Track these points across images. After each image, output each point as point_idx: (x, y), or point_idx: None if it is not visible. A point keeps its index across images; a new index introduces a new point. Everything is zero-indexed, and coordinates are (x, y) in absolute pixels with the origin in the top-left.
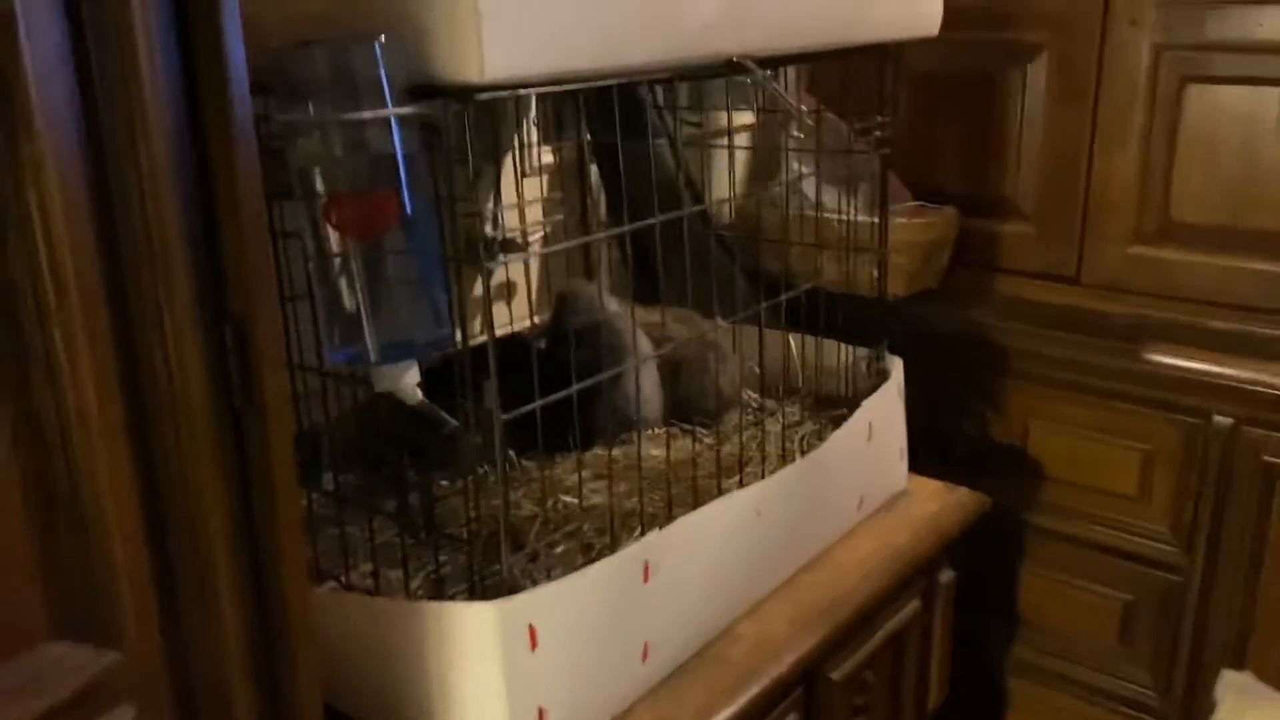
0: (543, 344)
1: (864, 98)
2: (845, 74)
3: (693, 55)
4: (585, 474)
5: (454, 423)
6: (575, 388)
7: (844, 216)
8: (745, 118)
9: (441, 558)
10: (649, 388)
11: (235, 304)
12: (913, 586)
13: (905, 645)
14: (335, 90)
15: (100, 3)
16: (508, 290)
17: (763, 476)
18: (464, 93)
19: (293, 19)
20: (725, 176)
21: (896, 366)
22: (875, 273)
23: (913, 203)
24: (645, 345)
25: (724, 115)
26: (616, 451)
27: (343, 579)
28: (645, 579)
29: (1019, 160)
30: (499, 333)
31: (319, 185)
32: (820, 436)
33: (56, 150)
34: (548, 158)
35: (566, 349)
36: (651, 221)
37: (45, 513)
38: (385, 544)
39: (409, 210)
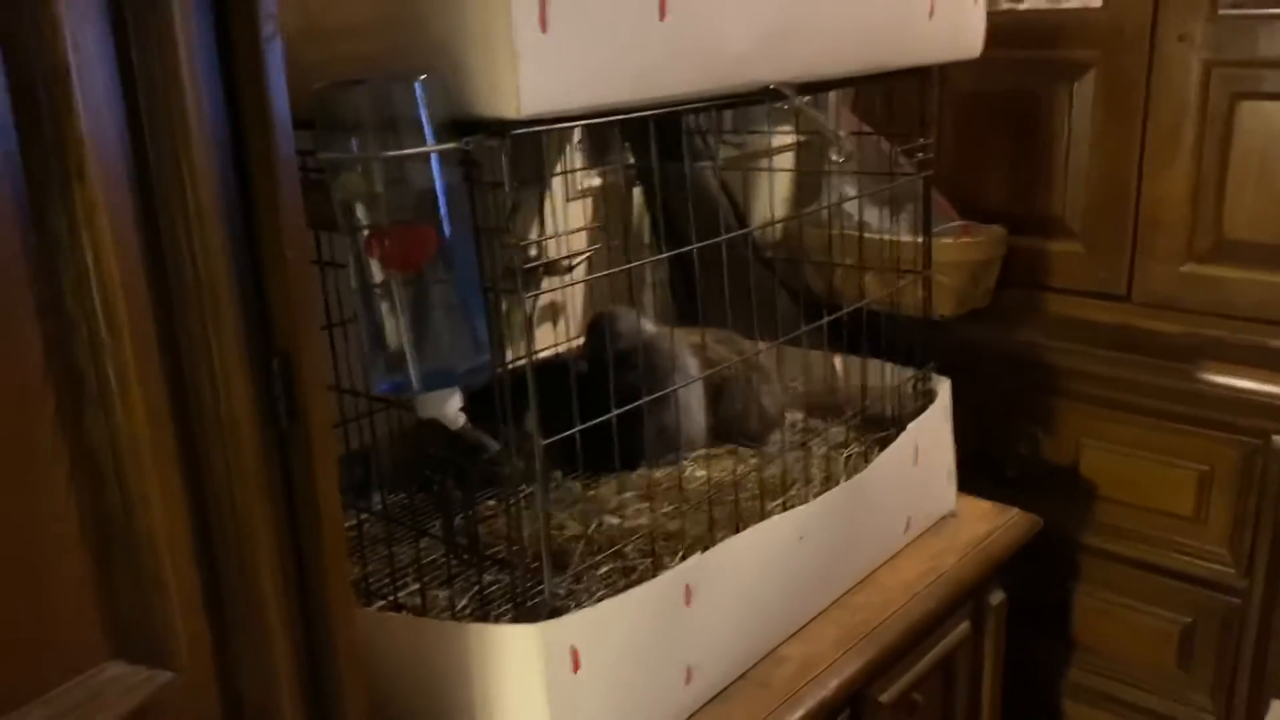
0: (584, 367)
1: (908, 118)
2: (887, 96)
3: (729, 84)
4: (629, 495)
5: (495, 445)
6: (613, 412)
7: (888, 237)
8: (788, 138)
9: (488, 578)
10: (693, 409)
11: (281, 336)
12: (962, 609)
13: (955, 668)
14: (377, 127)
15: (149, 53)
16: (552, 312)
17: (807, 500)
18: (502, 128)
19: (336, 59)
20: (767, 198)
21: (944, 387)
22: (921, 293)
23: (959, 222)
24: (690, 366)
25: (766, 136)
26: (660, 473)
27: (390, 599)
28: (687, 602)
29: (1067, 178)
30: (543, 354)
31: (361, 219)
32: (866, 459)
33: (108, 194)
34: (592, 182)
35: (608, 371)
36: (690, 248)
37: (101, 539)
38: (433, 564)
39: (449, 241)
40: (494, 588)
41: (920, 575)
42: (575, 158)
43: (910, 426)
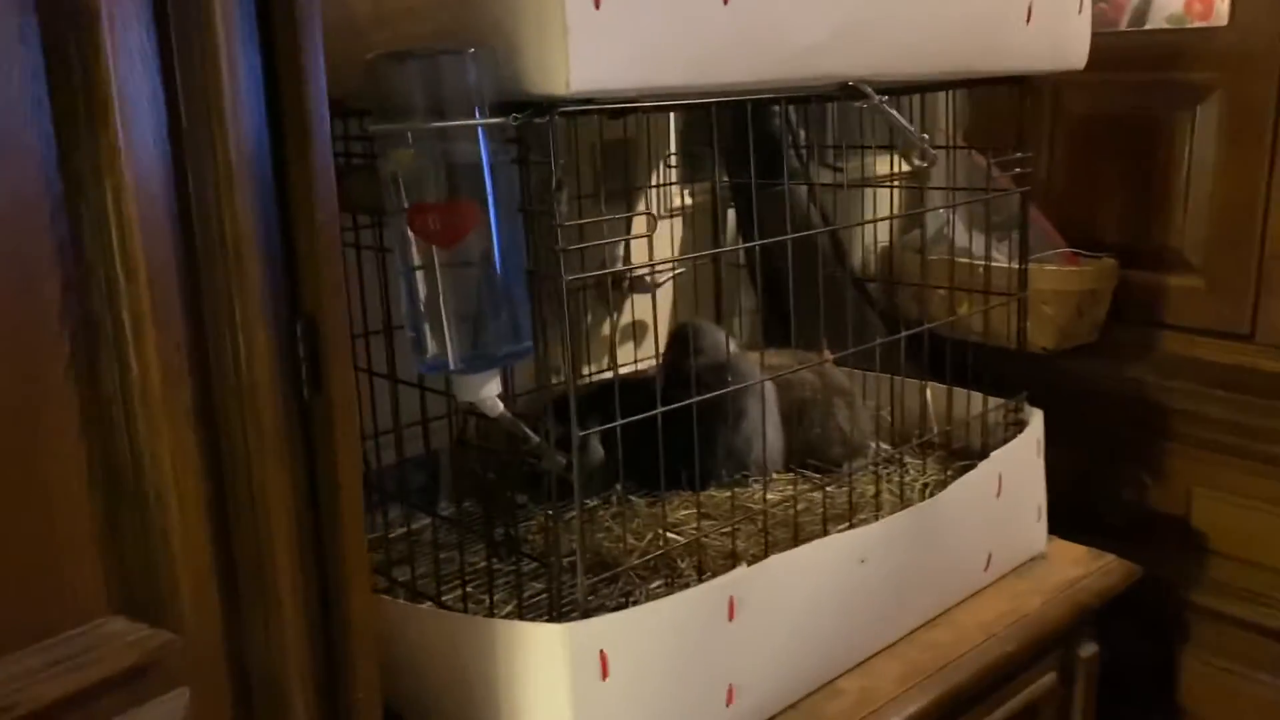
0: (660, 385)
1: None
2: (985, 107)
3: (799, 76)
4: (690, 513)
5: (535, 439)
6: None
7: (984, 261)
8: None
9: (538, 584)
10: (769, 432)
11: (306, 300)
12: (1047, 658)
13: None
14: (426, 102)
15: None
16: (634, 330)
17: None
18: (551, 105)
19: (397, 40)
20: (872, 226)
21: (1036, 419)
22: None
23: (1065, 249)
24: (768, 388)
25: (872, 159)
26: (727, 494)
27: (434, 598)
28: (730, 616)
29: (1186, 208)
30: (624, 370)
31: (407, 195)
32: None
33: (132, 139)
34: (683, 201)
35: (686, 389)
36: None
37: (109, 491)
38: (485, 568)
39: (494, 221)
40: (543, 595)
41: (1000, 616)
42: (669, 174)
43: (994, 455)
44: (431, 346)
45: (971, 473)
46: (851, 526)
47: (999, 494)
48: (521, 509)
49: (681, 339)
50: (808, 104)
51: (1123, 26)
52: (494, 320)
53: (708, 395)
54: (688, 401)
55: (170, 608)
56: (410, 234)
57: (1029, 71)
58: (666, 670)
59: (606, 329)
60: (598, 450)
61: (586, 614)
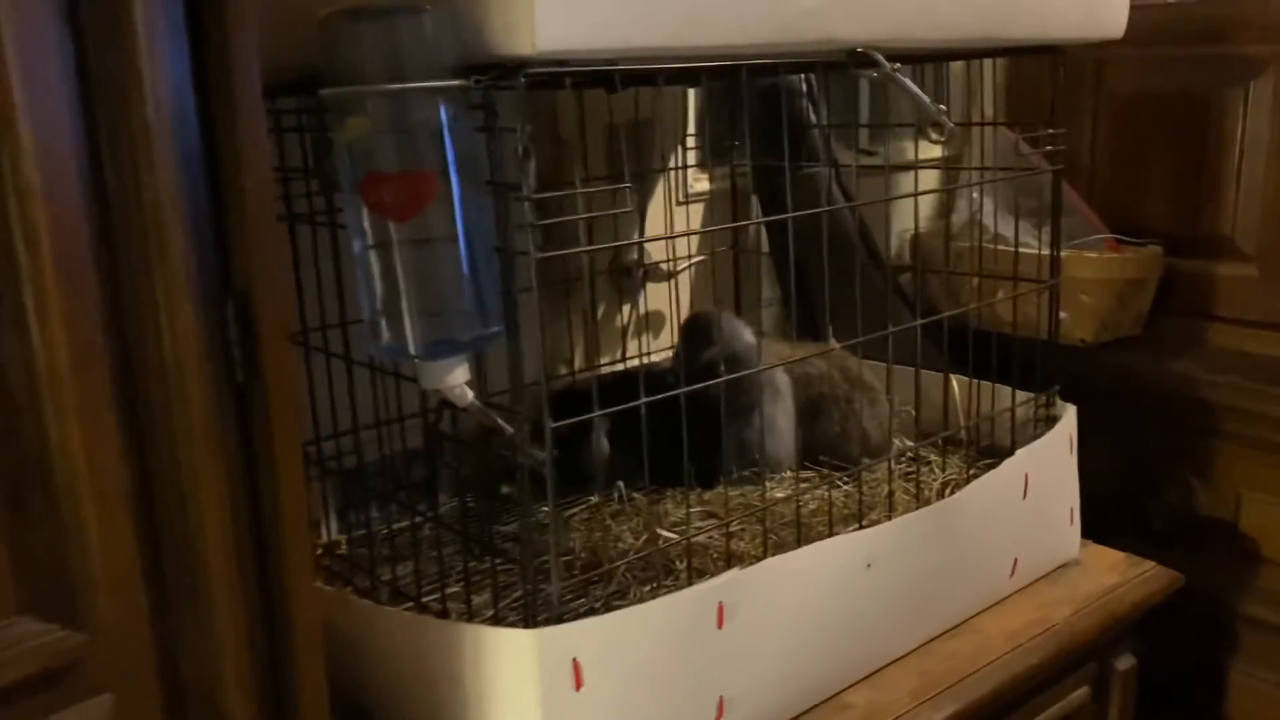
0: (671, 378)
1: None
2: (1025, 84)
3: (800, 40)
4: (695, 510)
5: (509, 429)
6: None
7: (1003, 248)
8: (934, 151)
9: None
10: (780, 427)
11: (237, 276)
12: (1080, 671)
13: None
14: (381, 64)
15: None
16: (645, 321)
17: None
18: (517, 67)
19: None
20: (900, 211)
21: (1069, 414)
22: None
23: (1107, 235)
24: (782, 382)
25: (905, 148)
26: (735, 492)
27: (417, 600)
28: (719, 623)
29: (1238, 193)
30: (636, 363)
31: (363, 166)
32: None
33: (33, 92)
34: (704, 185)
35: (697, 382)
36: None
37: (15, 479)
38: (470, 569)
39: (456, 194)
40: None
41: (1026, 625)
42: (686, 157)
43: (1019, 453)
44: (389, 331)
45: (993, 472)
46: (861, 528)
47: (1025, 495)
48: (507, 505)
49: (693, 329)
50: (812, 71)
51: None
52: (458, 303)
53: (696, 386)
54: (674, 393)
55: (87, 607)
56: (364, 208)
57: (1060, 40)
58: (648, 680)
59: (621, 320)
60: (604, 445)
61: (561, 619)
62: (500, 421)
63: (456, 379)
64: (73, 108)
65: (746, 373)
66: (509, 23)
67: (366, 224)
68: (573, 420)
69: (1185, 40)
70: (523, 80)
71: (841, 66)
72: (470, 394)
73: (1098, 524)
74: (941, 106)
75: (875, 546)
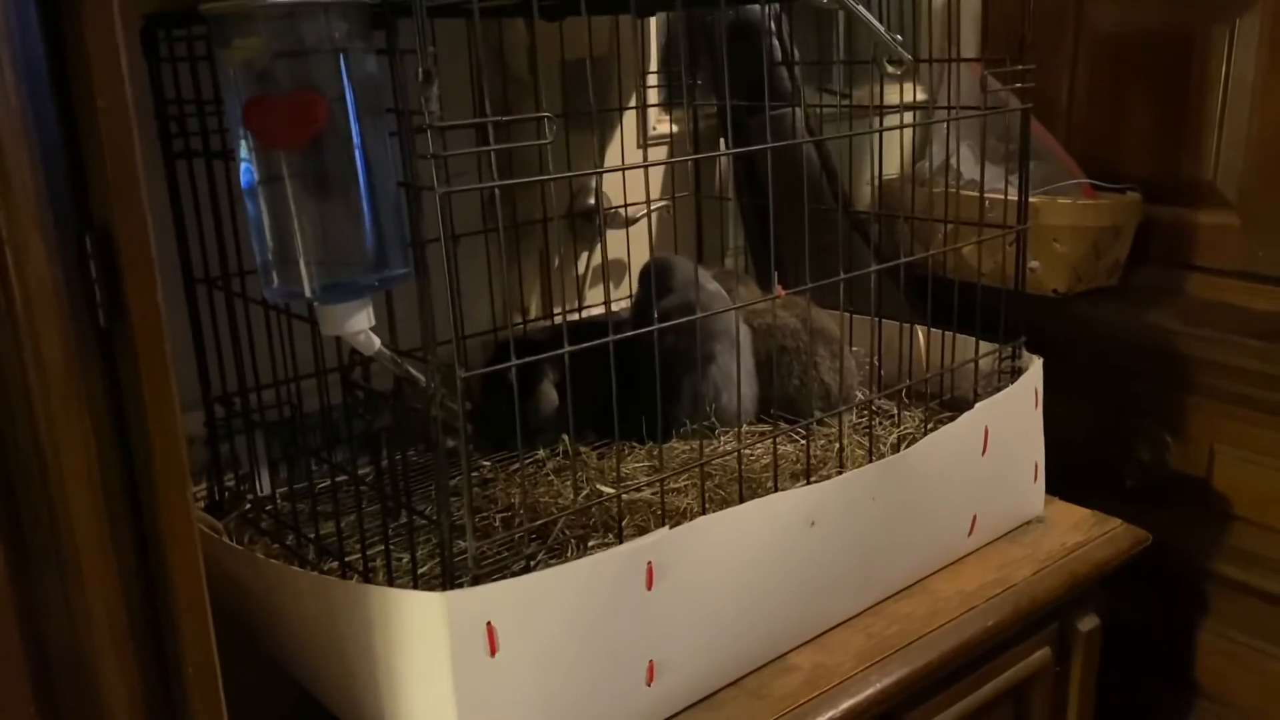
0: (629, 329)
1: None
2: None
3: None
4: (642, 465)
5: (422, 379)
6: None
7: (983, 193)
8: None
9: (462, 543)
10: (737, 379)
11: (96, 207)
12: (1040, 632)
13: (1029, 701)
14: None
15: None
16: (604, 271)
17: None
18: None
19: None
20: (871, 156)
21: (1034, 367)
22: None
23: (1083, 181)
24: (743, 333)
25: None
26: (687, 446)
27: (340, 559)
28: (649, 584)
29: (1221, 137)
30: (596, 312)
31: (248, 91)
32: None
33: None
34: (667, 128)
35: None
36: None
37: None
38: (393, 528)
39: (353, 122)
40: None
41: (983, 586)
42: (647, 96)
43: (979, 406)
44: (281, 273)
45: (949, 426)
46: (810, 484)
47: (985, 450)
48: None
49: (649, 276)
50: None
51: None
52: (358, 241)
53: (625, 335)
54: (601, 341)
55: None
56: (249, 136)
57: None
58: (570, 644)
59: (581, 267)
60: (551, 396)
61: (479, 581)
62: (413, 372)
63: (359, 324)
64: None
65: (687, 321)
66: None
67: (253, 155)
68: (490, 369)
69: None
70: (423, 5)
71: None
72: (377, 341)
73: (1069, 480)
74: (898, 37)
75: (818, 504)
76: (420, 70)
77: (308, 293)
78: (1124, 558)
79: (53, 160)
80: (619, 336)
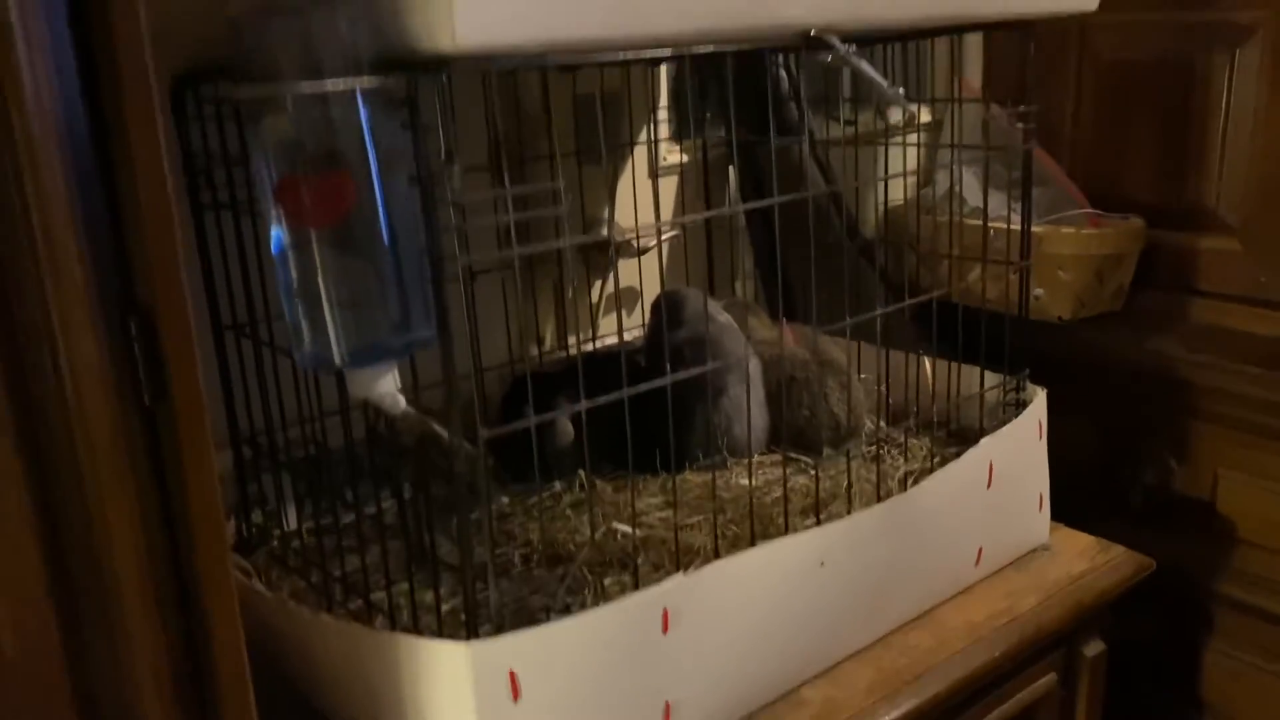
0: (642, 360)
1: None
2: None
3: (750, 26)
4: (656, 500)
5: (444, 433)
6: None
7: (991, 224)
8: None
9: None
10: (751, 411)
11: (140, 290)
12: (1046, 659)
13: None
14: (296, 62)
15: None
16: (617, 299)
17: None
18: (436, 63)
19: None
20: (876, 184)
21: (1038, 399)
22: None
23: (1086, 210)
24: (753, 365)
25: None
26: (700, 479)
27: (360, 602)
28: (665, 629)
29: (1223, 163)
30: (609, 343)
31: (282, 169)
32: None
33: None
34: (676, 158)
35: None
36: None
37: None
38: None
39: (379, 196)
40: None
41: (990, 616)
42: (658, 129)
43: (983, 442)
44: (310, 339)
45: (955, 463)
46: (819, 523)
47: (990, 484)
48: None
49: (661, 311)
50: (769, 53)
51: None
52: (384, 308)
53: (639, 388)
54: (615, 394)
55: None
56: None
57: (1030, 15)
58: (590, 688)
59: (595, 295)
60: (567, 429)
61: (501, 628)
62: (437, 428)
63: (386, 387)
64: None
65: (699, 370)
66: (428, 16)
67: (283, 225)
68: (507, 429)
69: (1171, 4)
70: (445, 79)
71: (794, 50)
72: (403, 402)
73: (1075, 502)
74: (900, 89)
75: (828, 544)
76: (443, 149)
77: (337, 360)
78: (1127, 584)
79: (99, 248)
80: (633, 391)
